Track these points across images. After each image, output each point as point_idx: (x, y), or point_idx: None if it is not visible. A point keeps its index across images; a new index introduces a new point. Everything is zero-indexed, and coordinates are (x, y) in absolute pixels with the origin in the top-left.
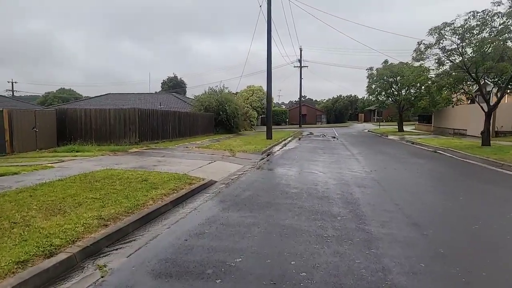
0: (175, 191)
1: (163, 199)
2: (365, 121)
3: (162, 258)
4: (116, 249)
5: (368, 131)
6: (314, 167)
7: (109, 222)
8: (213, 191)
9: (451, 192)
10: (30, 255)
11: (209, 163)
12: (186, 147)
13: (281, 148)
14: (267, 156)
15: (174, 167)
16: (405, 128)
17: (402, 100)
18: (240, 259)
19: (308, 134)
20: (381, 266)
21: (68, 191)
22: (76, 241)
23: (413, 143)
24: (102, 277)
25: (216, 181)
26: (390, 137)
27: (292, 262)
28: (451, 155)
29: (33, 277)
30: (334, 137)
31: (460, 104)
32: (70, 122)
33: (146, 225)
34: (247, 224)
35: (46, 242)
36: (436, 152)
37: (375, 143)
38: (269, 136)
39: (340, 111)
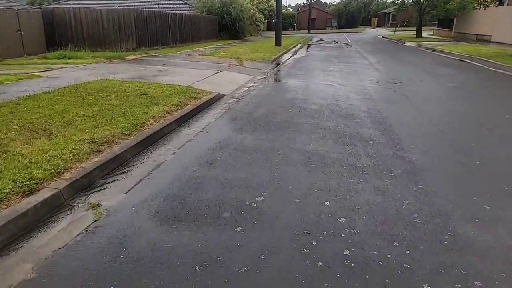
0: (179, 107)
1: (165, 117)
2: (378, 26)
3: (167, 195)
4: (113, 182)
5: (383, 37)
6: (331, 79)
7: (103, 147)
8: (222, 107)
9: (496, 108)
10: (4, 193)
11: (215, 73)
12: (189, 55)
13: (291, 56)
14: (278, 65)
15: (177, 77)
16: (423, 34)
17: (424, 1)
18: (261, 198)
19: (318, 41)
20: (436, 209)
21: (55, 106)
22: (63, 172)
23: (434, 50)
24: (95, 220)
25: (224, 95)
26: (408, 43)
27: (325, 203)
28: (480, 65)
29: (6, 224)
30: (347, 44)
31: (489, 6)
32: (59, 24)
33: (147, 150)
34: (265, 149)
35: (26, 175)
36: (462, 61)
37: (393, 51)
38: (278, 42)
39: (352, 15)
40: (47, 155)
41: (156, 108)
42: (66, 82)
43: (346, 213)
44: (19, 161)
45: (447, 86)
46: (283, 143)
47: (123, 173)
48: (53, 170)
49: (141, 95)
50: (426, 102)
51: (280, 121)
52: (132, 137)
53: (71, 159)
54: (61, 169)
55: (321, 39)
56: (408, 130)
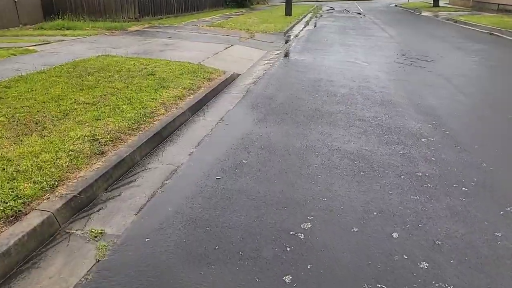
0: (192, 91)
1: (177, 104)
2: None
3: (189, 219)
4: (119, 196)
5: (396, 5)
6: (353, 55)
7: (106, 147)
8: (239, 90)
9: None
10: None
11: (226, 48)
12: (195, 25)
13: (304, 27)
14: (291, 38)
15: (185, 53)
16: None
17: None
18: (309, 224)
19: (329, 10)
20: None
21: (51, 90)
22: (57, 186)
23: (455, 21)
24: (98, 261)
25: (239, 74)
26: (425, 13)
27: (393, 234)
28: None
29: None
30: (360, 14)
31: None
32: None
33: (159, 149)
34: (299, 148)
35: (10, 192)
36: (491, 34)
37: (412, 22)
38: (288, 11)
39: None
40: (38, 160)
41: (166, 92)
42: (63, 58)
43: (425, 253)
44: (4, 169)
45: (487, 65)
46: (318, 140)
47: (131, 182)
48: (45, 183)
49: (148, 75)
50: (470, 86)
51: (309, 109)
52: (140, 132)
53: (67, 166)
54: (56, 181)
55: (332, 8)
56: (463, 124)
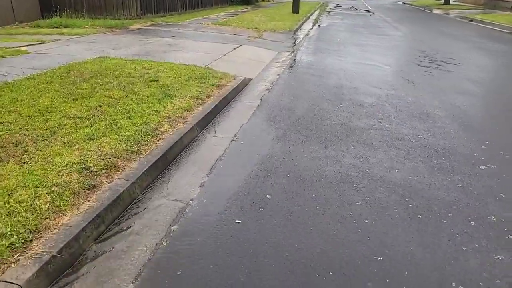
0: (200, 101)
1: (184, 117)
2: None
3: None
4: (110, 251)
5: (404, 3)
6: (370, 56)
7: (99, 179)
8: (252, 99)
9: None
10: None
11: (234, 48)
12: (200, 23)
13: (313, 25)
14: (301, 37)
15: (190, 54)
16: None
17: None
18: None
19: (335, 7)
20: None
21: (39, 100)
22: (32, 239)
23: (471, 20)
24: None
25: (251, 79)
26: (436, 11)
27: None
28: None
29: None
30: (368, 11)
31: None
32: None
33: (163, 178)
34: (332, 178)
35: None
36: None
37: (424, 20)
38: (295, 9)
39: None
40: (11, 201)
41: (171, 103)
42: (57, 61)
43: None
44: None
45: None
46: (353, 166)
47: (128, 228)
48: (15, 237)
49: (150, 81)
50: (509, 93)
51: (335, 123)
52: (141, 156)
53: (47, 208)
54: (30, 233)
55: (338, 5)
56: None
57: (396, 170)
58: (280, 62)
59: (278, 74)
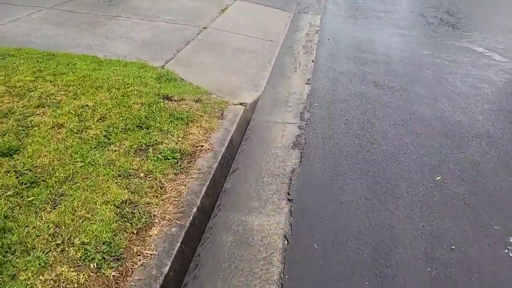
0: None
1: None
2: None
3: None
4: None
5: None
6: (456, 33)
7: None
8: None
9: None
10: None
11: (223, 9)
12: None
13: None
14: None
15: (137, 28)
16: None
17: None
18: None
19: None
20: None
21: None
22: None
23: None
24: None
25: (256, 101)
26: None
27: None
28: None
29: None
30: None
31: None
32: None
33: None
34: None
35: None
36: None
37: None
38: None
39: None
40: None
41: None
42: None
43: None
44: None
45: None
46: None
47: None
48: None
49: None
50: None
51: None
52: None
53: None
54: None
55: None
56: None
57: None
58: (303, 44)
59: (308, 82)
